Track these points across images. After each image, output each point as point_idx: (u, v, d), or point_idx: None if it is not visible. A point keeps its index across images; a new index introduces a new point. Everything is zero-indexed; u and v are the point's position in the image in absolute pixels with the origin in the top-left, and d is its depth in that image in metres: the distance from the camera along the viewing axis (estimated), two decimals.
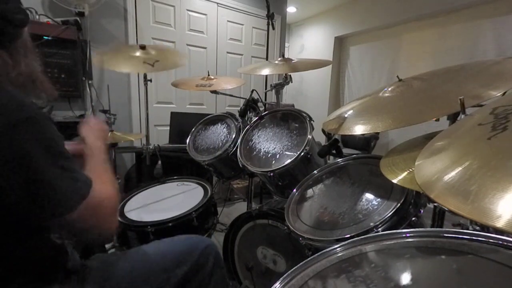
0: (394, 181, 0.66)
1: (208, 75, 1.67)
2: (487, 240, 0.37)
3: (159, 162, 1.59)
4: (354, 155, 1.00)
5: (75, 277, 0.65)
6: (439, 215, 0.80)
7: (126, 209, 1.23)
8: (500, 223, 0.27)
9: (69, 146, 0.67)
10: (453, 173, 0.36)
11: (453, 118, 0.71)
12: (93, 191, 0.55)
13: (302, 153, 1.00)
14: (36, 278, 0.57)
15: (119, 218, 1.15)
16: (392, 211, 0.69)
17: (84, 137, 0.76)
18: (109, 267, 0.71)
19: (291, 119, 1.18)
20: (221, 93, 1.68)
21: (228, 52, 3.16)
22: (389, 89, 0.85)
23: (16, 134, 0.47)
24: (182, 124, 2.38)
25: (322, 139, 1.76)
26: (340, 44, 4.15)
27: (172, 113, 2.47)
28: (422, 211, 0.74)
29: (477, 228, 0.70)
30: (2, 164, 0.46)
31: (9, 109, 0.48)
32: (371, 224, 0.69)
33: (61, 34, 1.95)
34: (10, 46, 0.57)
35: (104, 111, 1.70)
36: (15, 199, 0.47)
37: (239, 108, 1.41)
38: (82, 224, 0.54)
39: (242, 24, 3.22)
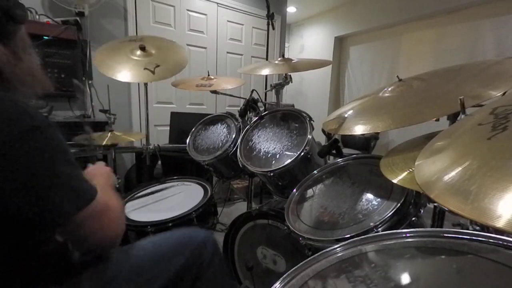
0: (394, 181, 0.66)
1: (208, 75, 1.66)
2: (487, 240, 0.37)
3: (159, 162, 1.59)
4: (354, 155, 1.00)
5: (75, 272, 0.65)
6: (439, 215, 0.80)
7: (126, 209, 1.23)
8: (500, 223, 0.27)
9: None
10: (453, 173, 0.36)
11: (453, 118, 0.71)
12: (98, 198, 0.57)
13: (302, 153, 0.99)
14: (38, 276, 0.57)
15: None
16: (392, 211, 0.69)
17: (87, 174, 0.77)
18: (107, 261, 0.71)
19: (291, 119, 1.18)
20: (221, 93, 1.68)
21: (228, 52, 3.16)
22: (389, 89, 0.85)
23: (23, 144, 0.47)
24: (182, 124, 2.38)
25: (322, 139, 1.76)
26: (340, 44, 4.14)
27: (172, 113, 2.47)
28: (422, 211, 0.74)
29: (477, 228, 0.70)
30: (6, 171, 0.46)
31: (15, 119, 0.48)
32: (371, 224, 0.69)
33: (61, 34, 1.95)
34: (10, 43, 0.57)
35: (104, 111, 1.70)
36: (18, 206, 0.47)
37: (239, 108, 1.41)
38: (87, 228, 0.56)
39: (242, 24, 3.21)
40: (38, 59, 0.64)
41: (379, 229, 0.67)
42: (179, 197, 1.32)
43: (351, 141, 3.30)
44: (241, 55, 3.27)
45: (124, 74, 1.41)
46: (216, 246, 0.84)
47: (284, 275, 0.43)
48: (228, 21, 3.09)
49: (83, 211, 0.53)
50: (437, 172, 0.39)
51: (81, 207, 0.53)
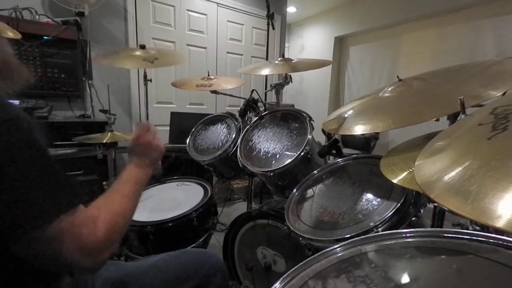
0: (394, 181, 0.65)
1: (208, 75, 1.67)
2: (487, 240, 0.37)
3: (159, 162, 1.59)
4: (354, 155, 1.00)
5: (82, 278, 0.64)
6: (439, 215, 0.80)
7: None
8: (500, 223, 0.27)
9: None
10: (453, 173, 0.36)
11: (453, 118, 0.71)
12: (80, 208, 0.48)
13: (302, 153, 0.99)
14: (40, 279, 0.56)
15: None
16: (392, 211, 0.69)
17: (135, 156, 0.72)
18: (115, 273, 0.71)
19: (291, 119, 1.18)
20: (221, 93, 1.68)
21: (228, 52, 3.16)
22: (389, 89, 0.85)
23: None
24: (182, 124, 2.38)
25: (322, 139, 1.76)
26: (340, 44, 4.14)
27: (172, 113, 2.46)
28: (422, 211, 0.74)
29: (477, 228, 0.70)
30: None
31: None
32: (371, 224, 0.69)
33: (61, 34, 1.95)
34: None
35: (104, 111, 1.70)
36: None
37: (239, 108, 1.41)
38: (58, 244, 0.45)
39: (242, 24, 3.21)
40: (11, 49, 0.59)
41: (379, 229, 0.67)
42: (179, 197, 1.32)
43: (351, 141, 3.30)
44: (241, 55, 3.27)
45: (123, 63, 1.51)
46: (225, 275, 0.84)
47: (284, 275, 0.43)
48: (228, 21, 3.09)
49: (57, 221, 0.44)
50: (437, 172, 0.39)
51: (56, 214, 0.44)
